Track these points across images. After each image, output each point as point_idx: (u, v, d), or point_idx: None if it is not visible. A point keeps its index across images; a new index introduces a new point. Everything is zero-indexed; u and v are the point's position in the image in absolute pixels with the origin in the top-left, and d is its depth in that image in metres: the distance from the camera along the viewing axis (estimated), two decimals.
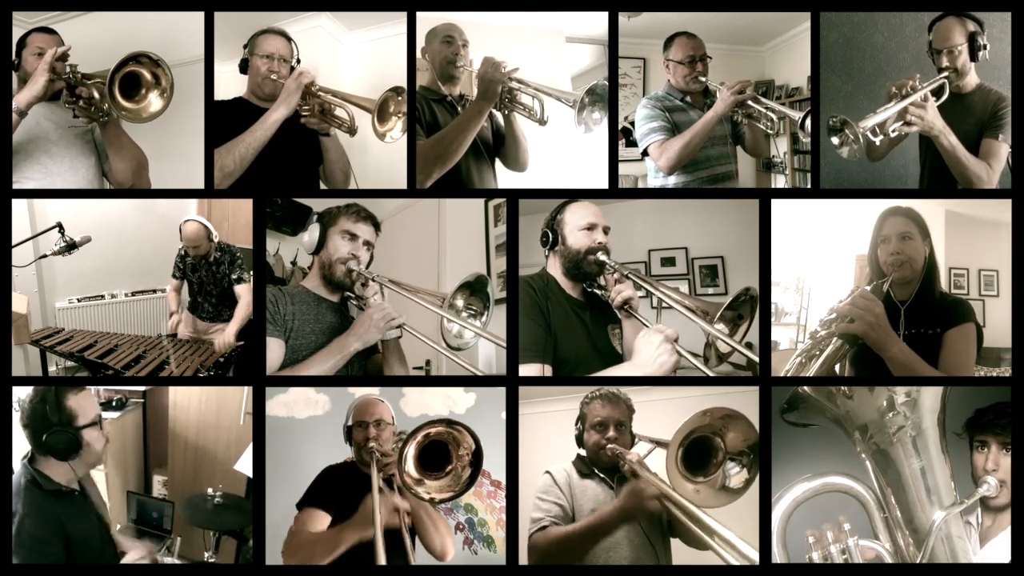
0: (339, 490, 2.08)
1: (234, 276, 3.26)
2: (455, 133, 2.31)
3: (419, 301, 2.10)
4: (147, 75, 2.16)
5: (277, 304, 2.03)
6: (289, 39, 2.47)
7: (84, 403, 1.95)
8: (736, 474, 1.87)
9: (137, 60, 2.14)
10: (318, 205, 2.23)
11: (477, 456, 1.86)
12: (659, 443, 2.01)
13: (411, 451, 1.84)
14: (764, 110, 2.50)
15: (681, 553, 2.07)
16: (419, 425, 1.85)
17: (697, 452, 1.87)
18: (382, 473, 2.01)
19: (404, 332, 2.09)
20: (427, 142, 2.33)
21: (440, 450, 1.88)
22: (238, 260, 3.30)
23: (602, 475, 2.11)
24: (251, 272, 3.29)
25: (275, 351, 2.00)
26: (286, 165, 2.41)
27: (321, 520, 2.03)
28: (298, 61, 2.47)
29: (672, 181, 2.61)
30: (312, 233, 2.17)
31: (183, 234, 3.24)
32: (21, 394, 1.99)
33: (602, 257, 2.10)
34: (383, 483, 1.98)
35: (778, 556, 1.91)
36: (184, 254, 3.37)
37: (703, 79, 2.64)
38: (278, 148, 2.34)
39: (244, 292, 3.24)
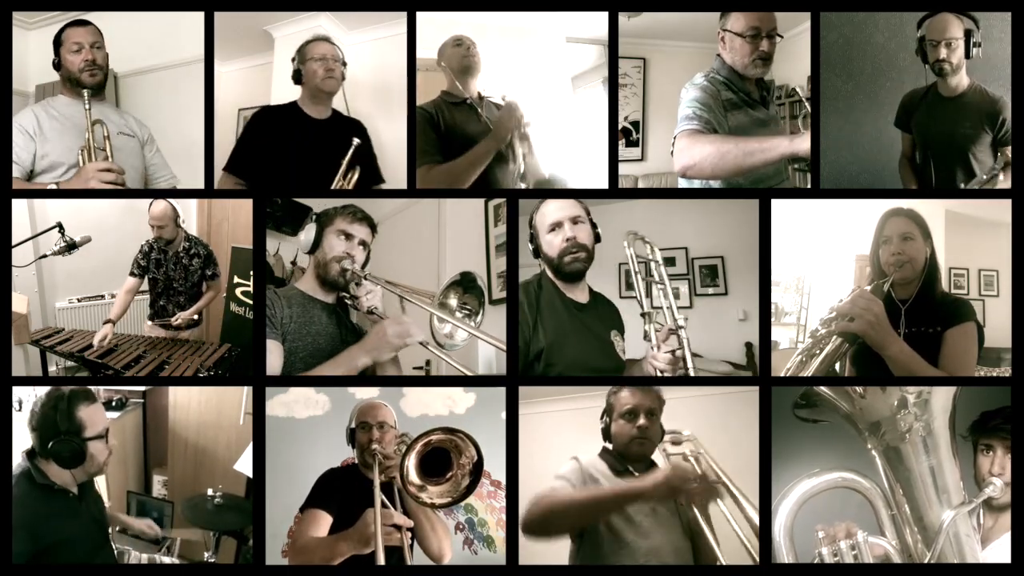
0: (340, 492, 2.08)
1: (208, 272, 3.26)
2: (465, 165, 2.36)
3: (414, 301, 2.07)
4: None
5: (274, 307, 2.02)
6: (333, 43, 2.54)
7: (94, 415, 1.97)
8: None
9: None
10: (318, 205, 2.22)
11: (478, 467, 1.85)
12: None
13: (412, 460, 1.84)
14: None
15: None
16: (421, 433, 1.85)
17: None
18: (384, 475, 2.01)
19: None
20: (439, 171, 2.35)
21: (441, 456, 1.88)
22: (213, 257, 3.29)
23: (634, 471, 2.02)
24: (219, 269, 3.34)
25: (274, 354, 1.99)
26: (295, 166, 2.44)
27: (322, 521, 2.02)
28: (344, 64, 2.53)
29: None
30: (308, 233, 2.15)
31: (151, 213, 3.12)
32: (28, 394, 1.99)
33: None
34: (384, 497, 1.96)
35: (785, 551, 1.89)
36: (149, 249, 3.23)
37: (766, 64, 2.30)
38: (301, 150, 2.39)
39: (214, 288, 3.28)
